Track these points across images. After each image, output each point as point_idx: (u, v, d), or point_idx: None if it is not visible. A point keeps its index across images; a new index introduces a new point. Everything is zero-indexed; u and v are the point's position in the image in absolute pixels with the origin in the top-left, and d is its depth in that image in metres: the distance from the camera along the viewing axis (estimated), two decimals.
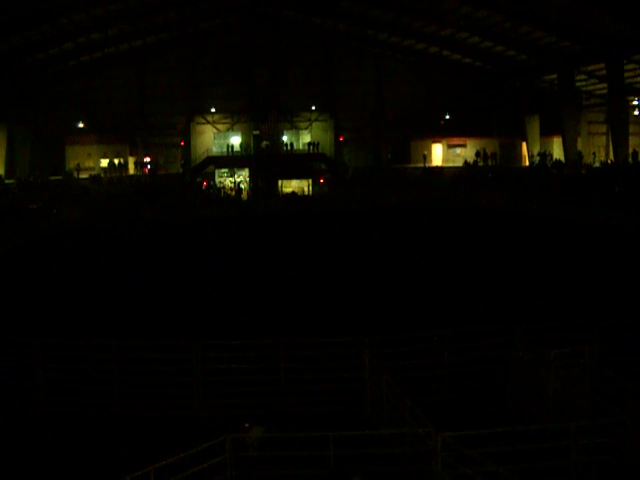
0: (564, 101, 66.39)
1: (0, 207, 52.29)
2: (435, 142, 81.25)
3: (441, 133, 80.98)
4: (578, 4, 52.27)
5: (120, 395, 17.25)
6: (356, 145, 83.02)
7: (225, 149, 79.89)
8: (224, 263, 38.95)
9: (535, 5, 55.08)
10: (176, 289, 31.98)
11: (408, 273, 34.57)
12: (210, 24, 77.43)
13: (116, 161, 76.87)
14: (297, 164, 77.47)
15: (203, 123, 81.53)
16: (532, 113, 73.85)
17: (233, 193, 74.40)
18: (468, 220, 54.67)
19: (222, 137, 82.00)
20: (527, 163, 74.49)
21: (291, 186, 77.01)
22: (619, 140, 60.92)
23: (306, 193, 75.83)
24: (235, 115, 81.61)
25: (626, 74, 60.27)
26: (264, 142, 79.68)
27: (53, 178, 69.93)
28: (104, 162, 77.45)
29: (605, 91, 66.26)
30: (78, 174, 73.38)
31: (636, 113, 70.09)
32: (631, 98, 66.60)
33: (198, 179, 77.14)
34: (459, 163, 76.84)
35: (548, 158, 69.63)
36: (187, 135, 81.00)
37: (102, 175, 74.01)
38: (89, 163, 77.44)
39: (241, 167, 79.52)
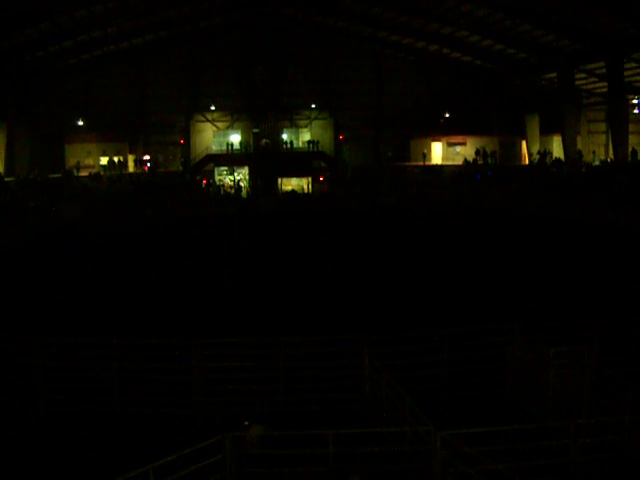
0: (564, 100, 66.34)
1: (0, 205, 52.23)
2: (435, 140, 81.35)
3: (441, 131, 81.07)
4: (578, 3, 52.25)
5: (119, 393, 17.24)
6: (356, 143, 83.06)
7: (225, 147, 79.94)
8: (223, 261, 38.95)
9: (535, 3, 55.07)
10: (175, 287, 31.99)
11: (408, 272, 34.57)
12: (210, 22, 77.37)
13: (116, 159, 76.97)
14: (297, 162, 77.46)
15: (203, 121, 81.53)
16: (532, 111, 73.83)
17: (233, 191, 74.41)
18: (468, 219, 54.65)
19: (222, 135, 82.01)
20: (527, 162, 74.49)
21: (291, 184, 77.11)
22: (619, 139, 60.89)
23: (306, 191, 75.84)
24: (235, 113, 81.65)
25: (626, 73, 60.20)
26: (264, 140, 79.68)
27: (53, 176, 69.91)
28: (104, 160, 77.55)
29: (605, 90, 66.21)
30: (78, 172, 73.43)
31: (636, 111, 70.00)
32: (631, 97, 66.53)
33: (198, 177, 77.15)
34: (459, 161, 76.85)
35: (548, 157, 69.62)
36: (187, 133, 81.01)
37: (102, 173, 73.99)
38: (89, 161, 77.57)
39: (241, 165, 79.52)
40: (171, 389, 17.07)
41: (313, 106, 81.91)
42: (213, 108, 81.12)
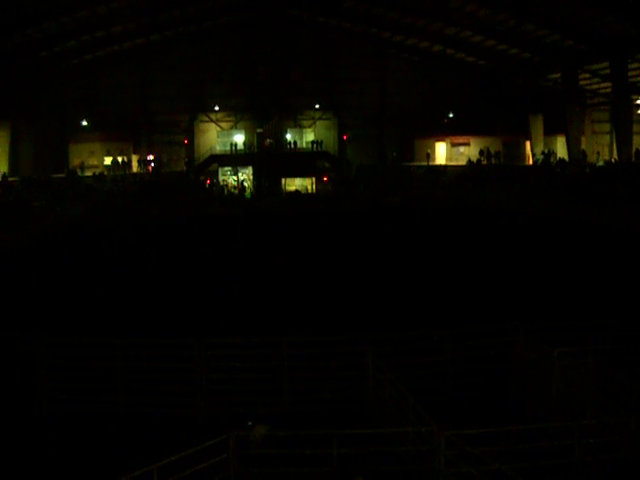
0: (568, 100, 66.29)
1: (4, 205, 52.31)
2: (439, 141, 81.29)
3: (445, 132, 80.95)
4: (582, 3, 52.21)
5: (123, 393, 17.25)
6: (359, 143, 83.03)
7: (228, 147, 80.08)
8: (227, 261, 38.97)
9: (539, 3, 55.01)
10: (179, 287, 32.02)
11: (411, 271, 34.55)
12: (214, 22, 77.39)
13: (119, 159, 76.97)
14: (300, 162, 77.50)
15: (207, 121, 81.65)
16: (536, 112, 73.76)
17: (236, 191, 74.44)
18: (471, 219, 54.63)
19: (225, 135, 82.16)
20: (530, 162, 74.43)
21: (294, 184, 77.14)
22: (623, 139, 60.84)
23: (309, 191, 75.85)
24: (239, 113, 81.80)
25: (630, 73, 60.13)
26: (267, 140, 79.74)
27: (56, 176, 69.98)
28: (107, 160, 77.53)
29: (609, 90, 66.19)
30: (82, 172, 73.52)
31: None
32: (635, 97, 66.37)
33: (202, 177, 77.19)
34: (463, 162, 76.76)
35: (552, 157, 69.55)
36: (191, 133, 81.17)
37: (105, 173, 74.04)
38: (92, 161, 77.59)
39: (244, 165, 79.61)
40: (175, 389, 17.08)
41: (317, 106, 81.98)
42: (217, 108, 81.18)
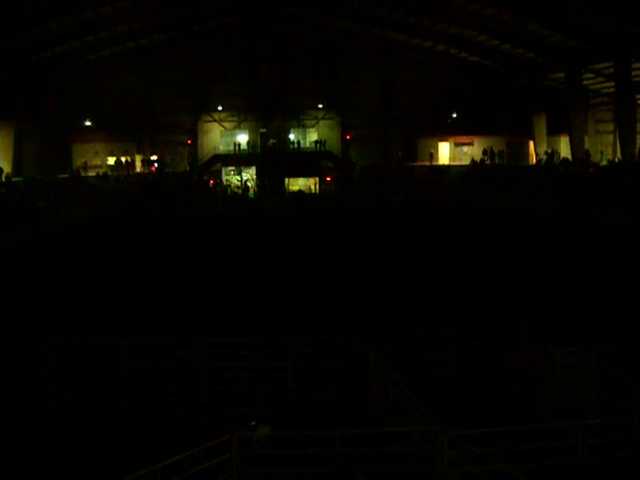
0: (571, 100, 66.22)
1: (8, 205, 52.39)
2: (442, 140, 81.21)
3: (448, 131, 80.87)
4: (586, 2, 52.16)
5: (127, 393, 17.28)
6: (363, 143, 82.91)
7: (232, 147, 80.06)
8: (230, 261, 39.01)
9: (543, 3, 54.96)
10: (182, 287, 32.06)
11: (415, 271, 34.55)
12: (217, 23, 77.44)
13: (123, 159, 77.07)
14: (304, 162, 77.49)
15: (210, 121, 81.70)
16: (539, 111, 73.72)
17: (240, 191, 74.45)
18: (475, 219, 54.60)
19: (229, 135, 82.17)
20: (534, 162, 74.39)
21: (298, 184, 77.13)
22: (626, 138, 60.76)
23: (313, 191, 75.83)
24: (242, 113, 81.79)
25: (634, 72, 60.02)
26: (271, 140, 79.79)
27: (61, 176, 70.06)
28: (111, 160, 77.62)
29: (613, 89, 66.02)
30: (86, 172, 73.61)
31: None
32: (638, 96, 66.33)
33: (205, 177, 77.23)
34: (466, 161, 76.74)
35: (556, 157, 69.49)
36: (194, 133, 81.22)
37: (109, 173, 74.10)
38: (96, 161, 77.71)
39: (248, 165, 79.54)
40: (178, 389, 17.12)
41: (320, 106, 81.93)
42: (220, 108, 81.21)
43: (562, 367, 15.83)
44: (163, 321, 25.18)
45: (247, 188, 75.15)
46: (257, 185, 76.82)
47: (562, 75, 69.62)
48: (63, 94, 75.66)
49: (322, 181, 77.24)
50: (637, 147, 61.48)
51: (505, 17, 60.59)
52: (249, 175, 79.04)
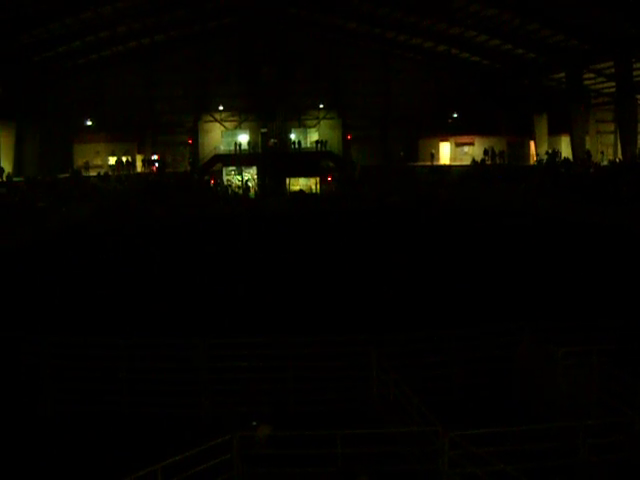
0: (572, 100, 66.27)
1: (9, 205, 52.38)
2: (443, 140, 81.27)
3: (449, 131, 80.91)
4: (587, 2, 52.16)
5: (127, 393, 17.27)
6: (364, 143, 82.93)
7: (233, 147, 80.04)
8: (231, 261, 38.99)
9: (543, 3, 54.97)
10: (184, 287, 32.05)
11: (415, 272, 34.53)
12: (218, 23, 77.46)
13: (124, 159, 77.10)
14: (305, 162, 77.49)
15: (211, 121, 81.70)
16: (540, 112, 73.71)
17: (241, 191, 74.45)
18: (476, 219, 54.58)
19: (230, 135, 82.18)
20: (533, 161, 74.46)
21: (299, 184, 77.12)
22: (627, 138, 60.78)
23: (314, 191, 75.83)
24: (243, 113, 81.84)
25: (635, 72, 60.11)
26: (272, 140, 79.81)
27: (62, 176, 70.07)
28: (112, 160, 77.65)
29: (613, 89, 66.05)
30: (88, 172, 73.64)
31: None
32: (639, 96, 66.37)
33: (206, 177, 77.24)
34: (467, 161, 76.75)
35: (557, 157, 69.46)
36: (195, 133, 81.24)
37: (110, 173, 74.12)
38: (97, 161, 77.77)
39: (249, 165, 79.59)
40: (179, 389, 17.11)
41: (321, 106, 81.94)
42: (221, 108, 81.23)
43: (563, 367, 15.82)
44: (164, 321, 25.17)
45: (248, 188, 75.16)
46: (258, 185, 76.84)
47: (563, 75, 69.73)
48: (64, 94, 75.72)
49: (323, 181, 77.25)
50: (638, 147, 61.45)
51: (506, 17, 60.62)
52: (250, 175, 79.05)
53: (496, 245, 42.29)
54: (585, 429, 13.32)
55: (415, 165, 79.82)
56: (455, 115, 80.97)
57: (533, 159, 75.59)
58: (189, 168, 79.81)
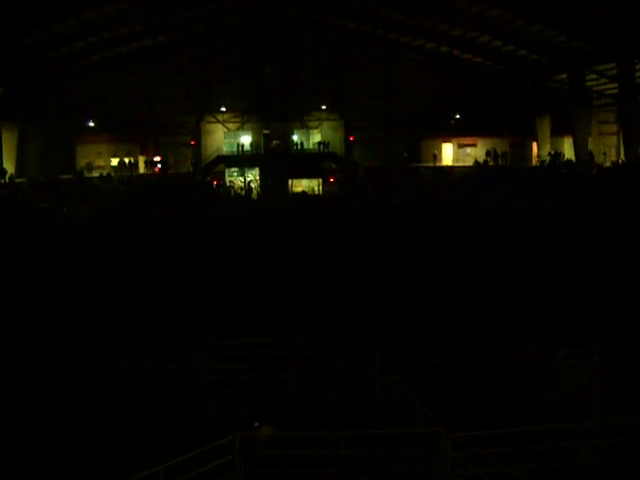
0: (575, 101, 66.26)
1: (11, 206, 52.41)
2: (445, 142, 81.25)
3: (451, 133, 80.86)
4: (589, 3, 52.13)
5: (129, 394, 17.28)
6: (366, 144, 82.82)
7: (235, 148, 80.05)
8: (234, 262, 39.00)
9: (546, 4, 54.94)
10: (186, 288, 32.05)
11: (418, 273, 34.52)
12: (220, 23, 77.44)
13: (126, 160, 77.08)
14: (307, 163, 77.49)
15: (213, 122, 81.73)
16: (543, 113, 73.69)
17: (243, 192, 74.46)
18: (478, 220, 54.57)
19: (232, 136, 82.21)
20: (534, 163, 74.48)
21: (301, 185, 77.13)
22: (630, 140, 60.72)
23: (316, 192, 75.81)
24: (245, 114, 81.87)
25: (637, 74, 60.00)
26: (274, 141, 79.83)
27: (64, 177, 70.11)
28: (114, 161, 77.68)
29: (616, 91, 66.02)
30: (90, 173, 73.67)
31: None
32: None
33: (208, 178, 77.25)
34: (469, 162, 76.74)
35: (560, 158, 69.42)
36: (197, 134, 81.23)
37: (112, 174, 74.15)
38: (99, 162, 77.74)
39: (251, 166, 79.59)
40: (181, 389, 17.11)
41: (324, 107, 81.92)
42: (224, 109, 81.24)
43: (566, 368, 15.82)
44: (167, 322, 25.18)
45: (250, 189, 75.17)
46: (260, 186, 76.83)
47: (565, 76, 69.65)
48: (66, 95, 75.76)
49: (325, 182, 77.24)
50: None
51: (508, 18, 60.59)
52: (252, 176, 79.06)
53: (498, 246, 42.26)
54: (587, 430, 13.32)
55: (418, 166, 79.75)
56: (458, 116, 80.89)
57: (535, 160, 75.57)
58: (192, 169, 79.77)
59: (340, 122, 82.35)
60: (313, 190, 76.32)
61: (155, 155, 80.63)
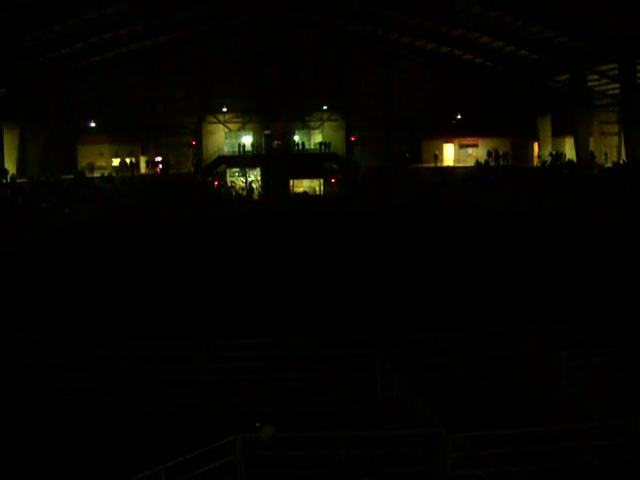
0: (576, 101, 66.22)
1: (12, 206, 52.42)
2: (447, 142, 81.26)
3: (453, 133, 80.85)
4: (590, 3, 52.11)
5: (129, 394, 17.27)
6: (367, 145, 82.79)
7: (236, 149, 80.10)
8: (235, 262, 38.99)
9: (546, 5, 54.91)
10: (187, 288, 32.05)
11: (419, 273, 34.50)
12: (221, 24, 77.42)
13: (128, 160, 77.11)
14: (308, 164, 77.52)
15: (214, 123, 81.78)
16: (544, 113, 73.68)
17: (244, 193, 74.47)
18: (480, 220, 54.52)
19: (233, 137, 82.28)
20: (535, 163, 74.48)
21: (302, 186, 77.13)
22: (631, 140, 60.71)
23: (317, 193, 75.82)
24: (246, 115, 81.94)
25: (639, 74, 59.99)
26: (275, 142, 79.83)
27: (65, 177, 70.13)
28: (116, 161, 77.71)
29: (617, 91, 66.05)
30: (92, 173, 73.68)
31: None
32: None
33: (209, 179, 77.26)
34: (471, 163, 76.74)
35: (561, 158, 69.39)
36: (198, 135, 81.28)
37: (114, 174, 74.16)
38: (101, 162, 77.79)
39: (252, 167, 79.63)
40: (182, 389, 17.11)
41: (325, 107, 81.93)
42: (225, 110, 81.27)
43: (567, 369, 15.79)
44: (168, 322, 25.17)
45: (251, 190, 75.18)
46: (262, 187, 76.84)
47: (567, 77, 69.61)
48: (67, 95, 75.78)
49: (327, 183, 77.24)
50: None
51: (509, 19, 60.56)
52: (254, 176, 79.08)
53: (500, 246, 42.23)
54: (588, 431, 13.30)
55: (419, 167, 79.72)
56: (459, 116, 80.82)
57: (537, 161, 75.56)
58: (193, 169, 79.78)
59: (341, 122, 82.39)
60: (314, 190, 76.34)
61: (156, 155, 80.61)
